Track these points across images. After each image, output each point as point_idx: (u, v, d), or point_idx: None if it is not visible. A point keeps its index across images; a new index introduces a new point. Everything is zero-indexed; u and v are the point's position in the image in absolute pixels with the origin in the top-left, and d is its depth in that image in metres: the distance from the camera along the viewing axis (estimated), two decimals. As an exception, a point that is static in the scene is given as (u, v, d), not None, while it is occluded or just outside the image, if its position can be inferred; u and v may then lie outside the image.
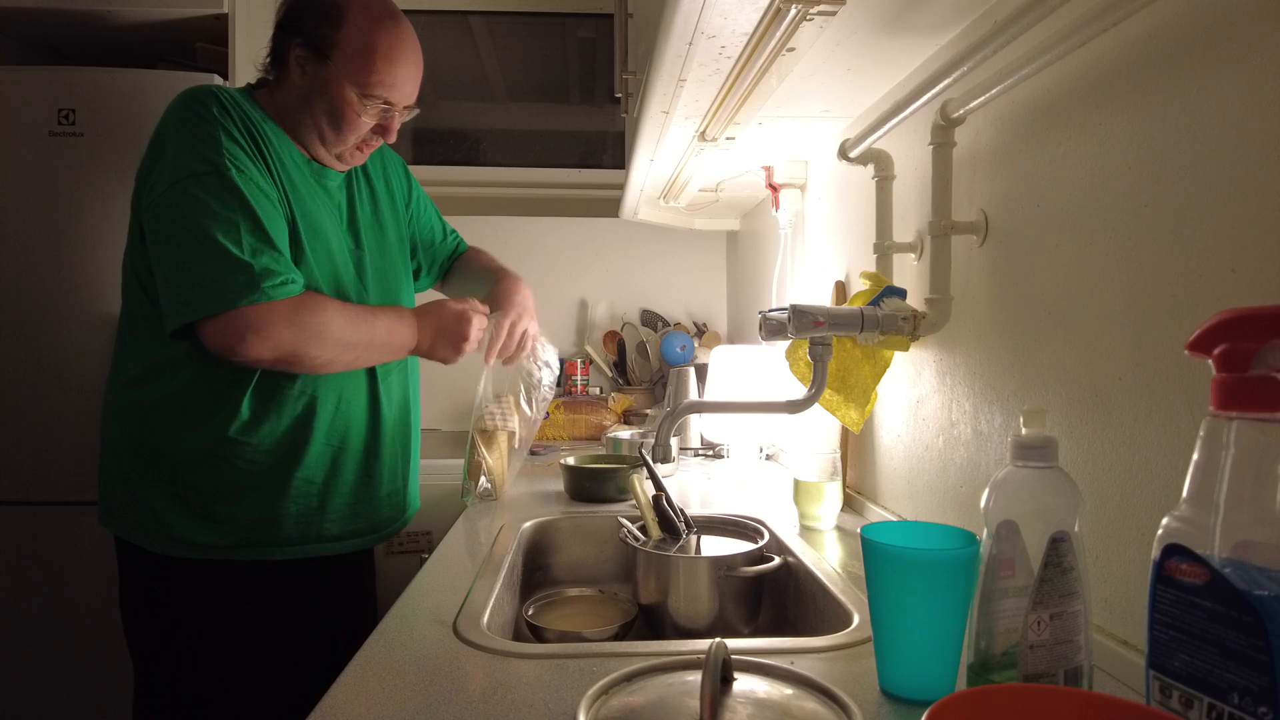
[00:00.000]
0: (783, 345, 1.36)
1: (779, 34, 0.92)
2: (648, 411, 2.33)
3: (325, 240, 1.20)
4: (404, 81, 1.20)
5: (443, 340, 1.24)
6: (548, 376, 1.44)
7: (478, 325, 1.27)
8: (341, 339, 1.13)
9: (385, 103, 1.19)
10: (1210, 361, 0.45)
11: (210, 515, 1.14)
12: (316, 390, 1.18)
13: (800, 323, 1.04)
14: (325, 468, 1.21)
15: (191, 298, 1.05)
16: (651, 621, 1.01)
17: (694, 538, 1.10)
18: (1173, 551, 0.46)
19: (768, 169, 1.68)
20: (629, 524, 1.11)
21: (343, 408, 1.21)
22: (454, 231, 1.58)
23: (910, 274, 1.14)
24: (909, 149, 1.14)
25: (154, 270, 1.09)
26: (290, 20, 1.18)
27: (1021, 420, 0.59)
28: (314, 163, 1.23)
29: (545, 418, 2.22)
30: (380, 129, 1.22)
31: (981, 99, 0.87)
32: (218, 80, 1.82)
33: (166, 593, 1.16)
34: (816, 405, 1.13)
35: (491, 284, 1.44)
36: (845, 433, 1.39)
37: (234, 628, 1.16)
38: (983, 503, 0.59)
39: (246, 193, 1.07)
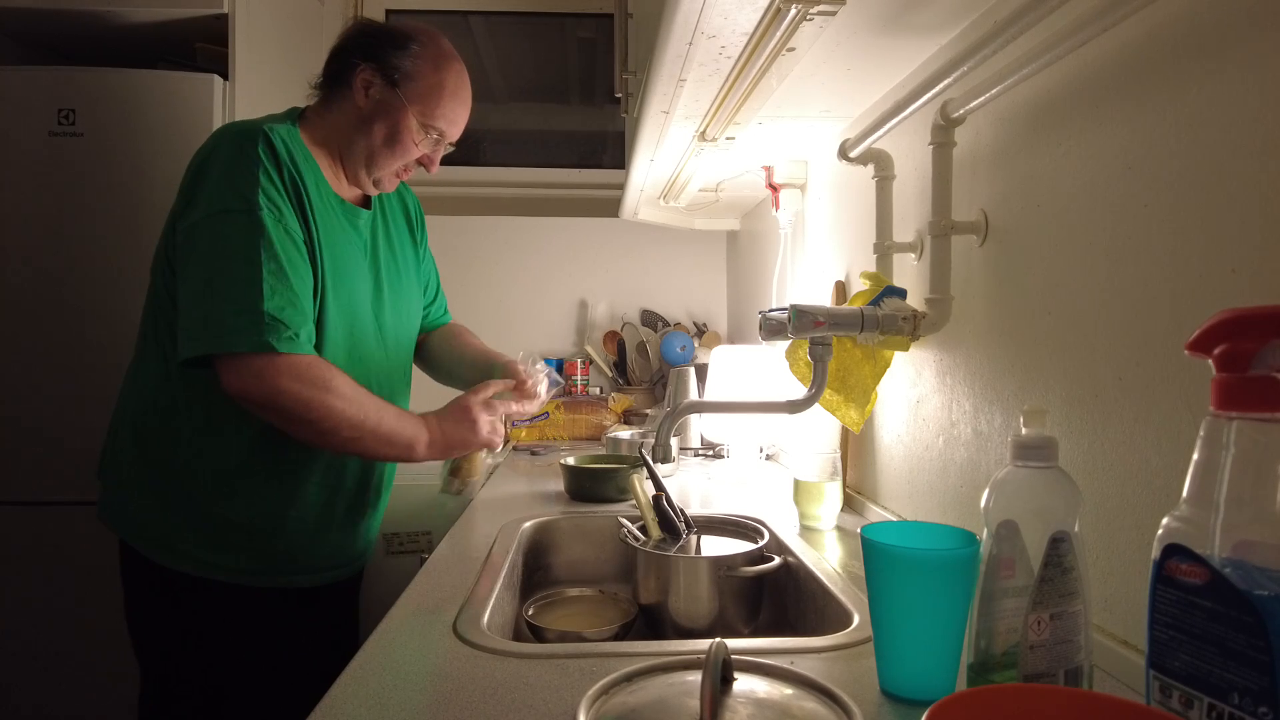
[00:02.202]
0: (783, 345, 1.36)
1: (779, 34, 0.92)
2: (648, 411, 2.33)
3: (350, 280, 1.22)
4: (460, 119, 1.27)
5: (448, 423, 1.20)
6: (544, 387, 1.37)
7: (474, 394, 1.23)
8: (349, 413, 1.09)
9: (439, 135, 1.25)
10: (1210, 361, 0.45)
11: (206, 535, 1.15)
12: None
13: (800, 323, 1.04)
14: (318, 508, 1.22)
15: (198, 334, 1.06)
16: (651, 621, 1.01)
17: (694, 538, 1.10)
18: (1173, 551, 0.46)
19: (768, 169, 1.68)
20: (629, 524, 1.11)
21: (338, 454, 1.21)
22: (443, 298, 1.58)
23: (910, 274, 1.14)
24: (909, 149, 1.14)
25: (177, 297, 1.10)
26: (362, 45, 1.21)
27: (1021, 420, 0.59)
28: (346, 203, 1.25)
29: (545, 417, 2.22)
30: (426, 159, 1.27)
31: (981, 99, 0.87)
32: (218, 81, 1.82)
33: (164, 598, 1.16)
34: (816, 405, 1.13)
35: (485, 366, 1.40)
36: (845, 433, 1.39)
37: (230, 640, 1.17)
38: (983, 503, 0.59)
39: (274, 237, 1.07)
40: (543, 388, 1.34)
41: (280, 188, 1.11)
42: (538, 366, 1.36)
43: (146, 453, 1.16)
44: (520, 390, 1.29)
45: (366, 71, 1.20)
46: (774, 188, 1.69)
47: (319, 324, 1.15)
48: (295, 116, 1.24)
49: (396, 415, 1.16)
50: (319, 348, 1.14)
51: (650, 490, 1.14)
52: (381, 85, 1.20)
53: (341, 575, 1.31)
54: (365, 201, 1.31)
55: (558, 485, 1.55)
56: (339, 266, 1.19)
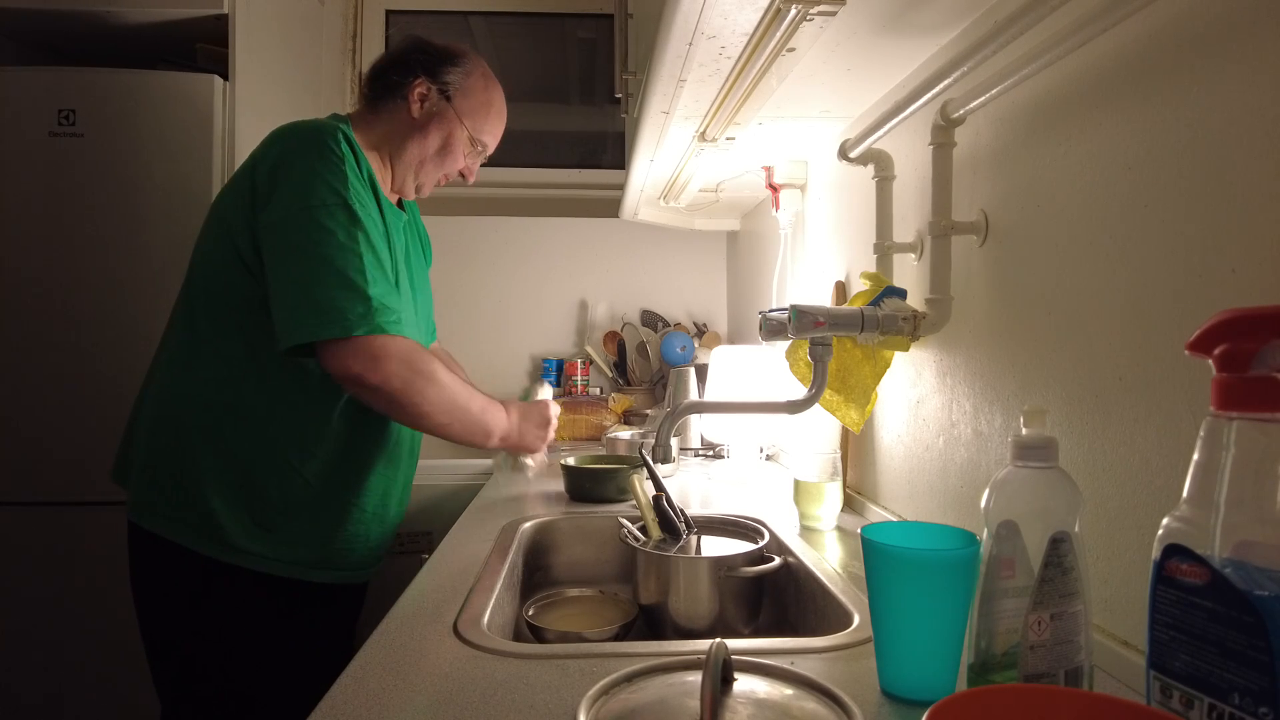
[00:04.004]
0: (783, 345, 1.36)
1: (779, 34, 0.92)
2: (648, 412, 2.33)
3: (400, 278, 1.27)
4: (499, 134, 1.39)
5: (528, 425, 1.34)
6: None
7: (554, 411, 1.40)
8: (444, 399, 1.17)
9: (483, 149, 1.36)
10: (1210, 361, 0.45)
11: (268, 526, 1.16)
12: (386, 422, 1.24)
13: (801, 323, 1.04)
14: (377, 497, 1.26)
15: (311, 321, 1.08)
16: (652, 622, 1.01)
17: (694, 538, 1.10)
18: (1173, 551, 0.46)
19: (768, 169, 1.68)
20: (629, 524, 1.11)
21: (394, 440, 1.27)
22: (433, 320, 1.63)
23: (910, 274, 1.14)
24: (909, 149, 1.14)
25: (271, 288, 1.12)
26: (420, 60, 1.29)
27: (1022, 420, 0.59)
28: (390, 203, 1.30)
29: None
30: (466, 170, 1.37)
31: (981, 99, 0.87)
32: (218, 82, 1.82)
33: (202, 596, 1.16)
34: (817, 405, 1.13)
35: None
36: (845, 433, 1.39)
37: (266, 638, 1.17)
38: (983, 503, 0.59)
39: (368, 227, 1.14)
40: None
41: (363, 182, 1.18)
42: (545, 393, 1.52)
43: (207, 442, 1.16)
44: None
45: (423, 85, 1.28)
46: (774, 188, 1.69)
47: None
48: (344, 120, 1.27)
49: (482, 406, 1.25)
50: None
51: (650, 490, 1.14)
52: (437, 98, 1.29)
53: (375, 572, 1.34)
54: (399, 206, 1.37)
55: (558, 485, 1.55)
56: (396, 264, 1.25)
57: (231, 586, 1.15)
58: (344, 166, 1.14)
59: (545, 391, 1.52)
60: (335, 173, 1.13)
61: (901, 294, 1.08)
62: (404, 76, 1.28)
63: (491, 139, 1.37)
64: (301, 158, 1.14)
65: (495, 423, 1.27)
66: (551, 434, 1.39)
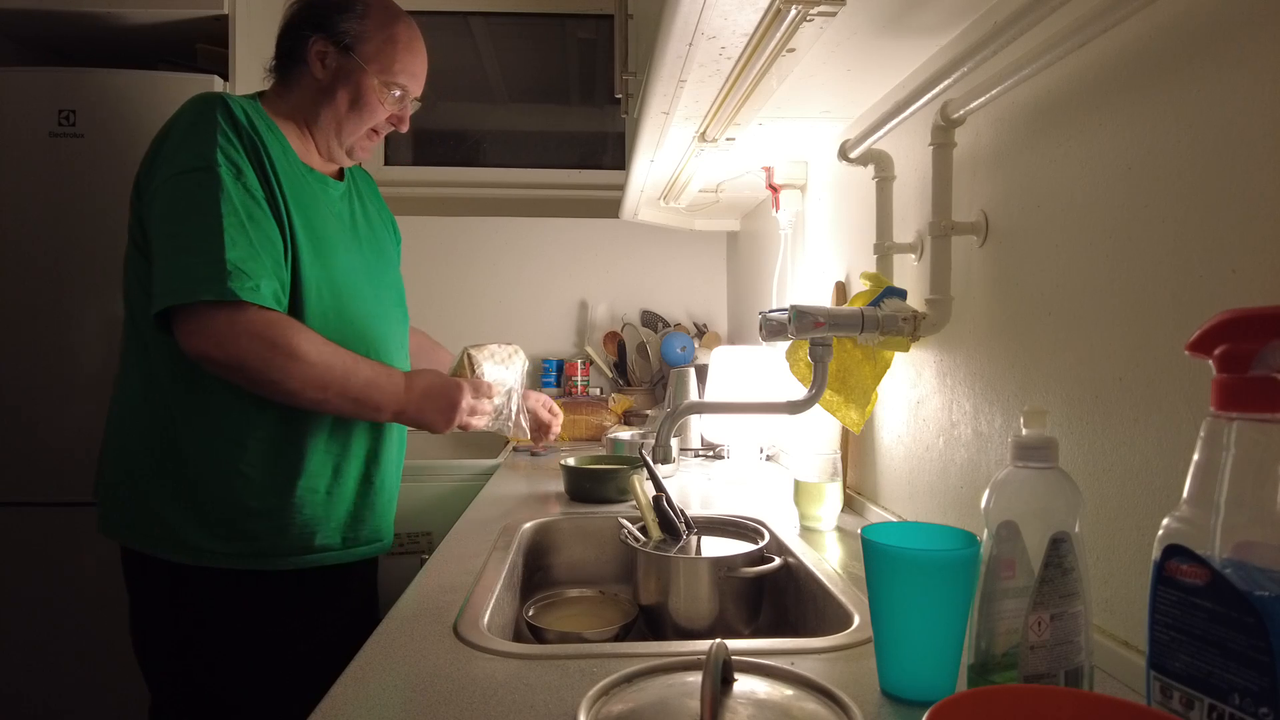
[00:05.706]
0: (783, 346, 1.36)
1: (779, 35, 0.92)
2: (648, 412, 2.33)
3: (331, 247, 1.21)
4: (420, 72, 1.29)
5: (431, 404, 1.21)
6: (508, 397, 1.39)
7: (469, 392, 1.24)
8: (313, 375, 1.08)
9: (402, 91, 1.26)
10: (1210, 362, 0.45)
11: (220, 523, 1.14)
12: None
13: (801, 323, 1.04)
14: (327, 476, 1.21)
15: (162, 288, 1.05)
16: (652, 622, 1.01)
17: (694, 538, 1.10)
18: (1173, 552, 0.46)
19: (768, 169, 1.68)
20: (629, 525, 1.11)
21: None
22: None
23: (910, 274, 1.14)
24: (909, 149, 1.14)
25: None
26: (310, 18, 1.23)
27: (1022, 421, 0.59)
28: (315, 172, 1.25)
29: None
30: (395, 119, 1.28)
31: (981, 100, 0.87)
32: (218, 82, 1.82)
33: (174, 600, 1.15)
34: (817, 406, 1.13)
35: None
36: (846, 433, 1.39)
37: (245, 635, 1.16)
38: (983, 503, 0.59)
39: (234, 193, 1.08)
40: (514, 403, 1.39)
41: (239, 148, 1.12)
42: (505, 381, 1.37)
43: (148, 447, 1.15)
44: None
45: (319, 43, 1.22)
46: (774, 188, 1.69)
47: (297, 287, 1.14)
48: (254, 96, 1.24)
49: (367, 380, 1.14)
50: (300, 311, 1.14)
51: (650, 491, 1.14)
52: (336, 53, 1.22)
53: (362, 555, 1.28)
54: (338, 175, 1.32)
55: (558, 486, 1.55)
56: (316, 233, 1.19)
57: (206, 587, 1.14)
58: (214, 132, 1.09)
59: (488, 372, 1.34)
60: (203, 139, 1.09)
61: (901, 294, 1.08)
62: (298, 40, 1.22)
63: (408, 78, 1.25)
64: (175, 131, 1.12)
65: (385, 399, 1.16)
66: (466, 416, 1.23)
